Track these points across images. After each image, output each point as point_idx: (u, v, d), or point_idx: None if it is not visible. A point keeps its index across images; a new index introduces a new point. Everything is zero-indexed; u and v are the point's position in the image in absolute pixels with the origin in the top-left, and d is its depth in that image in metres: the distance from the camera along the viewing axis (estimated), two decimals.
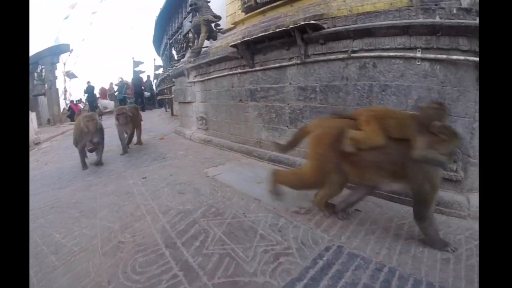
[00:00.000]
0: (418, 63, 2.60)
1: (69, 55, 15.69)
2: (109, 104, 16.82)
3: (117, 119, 5.26)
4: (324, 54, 3.26)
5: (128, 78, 18.60)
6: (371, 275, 1.65)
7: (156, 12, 13.28)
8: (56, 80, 14.50)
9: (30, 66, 13.80)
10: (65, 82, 17.57)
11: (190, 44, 7.90)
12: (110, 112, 13.62)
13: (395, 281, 1.59)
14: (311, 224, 2.26)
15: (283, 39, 3.59)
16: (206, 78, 5.49)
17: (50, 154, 6.40)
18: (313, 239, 2.05)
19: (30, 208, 2.99)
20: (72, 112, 14.98)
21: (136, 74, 18.05)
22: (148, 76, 18.11)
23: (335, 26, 3.14)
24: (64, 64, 16.53)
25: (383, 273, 1.66)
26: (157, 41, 16.37)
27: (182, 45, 9.55)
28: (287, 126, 3.86)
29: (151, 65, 19.06)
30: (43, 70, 14.02)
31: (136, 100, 16.13)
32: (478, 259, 1.70)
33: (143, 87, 16.85)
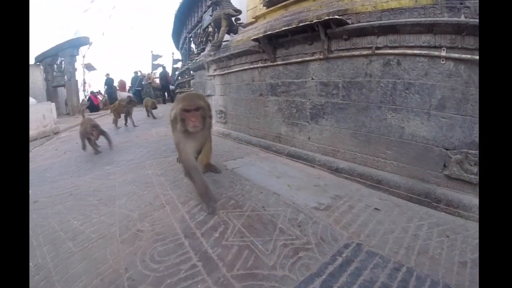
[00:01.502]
0: (442, 62, 2.55)
1: (88, 48, 16.08)
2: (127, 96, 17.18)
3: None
4: (347, 50, 3.22)
5: (147, 71, 18.94)
6: (389, 274, 1.65)
7: (175, 7, 13.43)
8: (76, 72, 14.89)
9: (50, 58, 14.28)
10: (84, 74, 18.12)
11: (210, 38, 7.96)
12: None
13: (413, 281, 1.60)
14: (330, 221, 2.27)
15: (306, 33, 3.56)
16: (226, 71, 5.51)
17: (69, 143, 6.53)
18: (332, 235, 2.06)
19: (48, 194, 3.09)
20: (91, 103, 15.32)
21: (162, 68, 18.32)
22: (174, 69, 18.40)
23: (359, 22, 3.11)
24: (84, 56, 17.01)
25: (401, 272, 1.66)
26: (176, 35, 16.55)
27: (201, 39, 9.62)
28: (308, 122, 3.85)
29: (169, 58, 19.23)
30: (63, 62, 14.39)
31: (162, 93, 16.70)
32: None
33: (169, 81, 17.15)
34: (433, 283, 1.58)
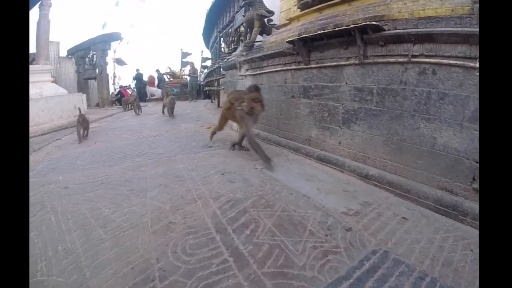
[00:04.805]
0: (477, 74, 2.52)
1: (119, 43, 16.46)
2: (156, 91, 17.86)
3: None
4: (383, 56, 3.23)
5: (177, 68, 19.51)
6: (414, 282, 1.69)
7: (207, 6, 13.60)
8: (107, 66, 15.38)
9: (82, 51, 14.86)
10: (114, 68, 18.75)
11: (242, 38, 8.05)
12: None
13: None
14: (359, 226, 2.31)
15: (342, 38, 3.58)
16: (258, 72, 5.61)
17: (99, 134, 6.73)
18: (361, 241, 2.10)
19: (79, 181, 3.21)
20: (121, 96, 15.82)
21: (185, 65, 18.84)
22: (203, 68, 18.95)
23: (395, 29, 3.11)
24: (115, 51, 17.51)
25: (425, 282, 1.70)
26: (207, 34, 16.74)
27: (233, 39, 9.74)
28: (339, 126, 3.87)
29: (198, 56, 19.42)
30: (94, 56, 14.88)
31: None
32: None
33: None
34: None
